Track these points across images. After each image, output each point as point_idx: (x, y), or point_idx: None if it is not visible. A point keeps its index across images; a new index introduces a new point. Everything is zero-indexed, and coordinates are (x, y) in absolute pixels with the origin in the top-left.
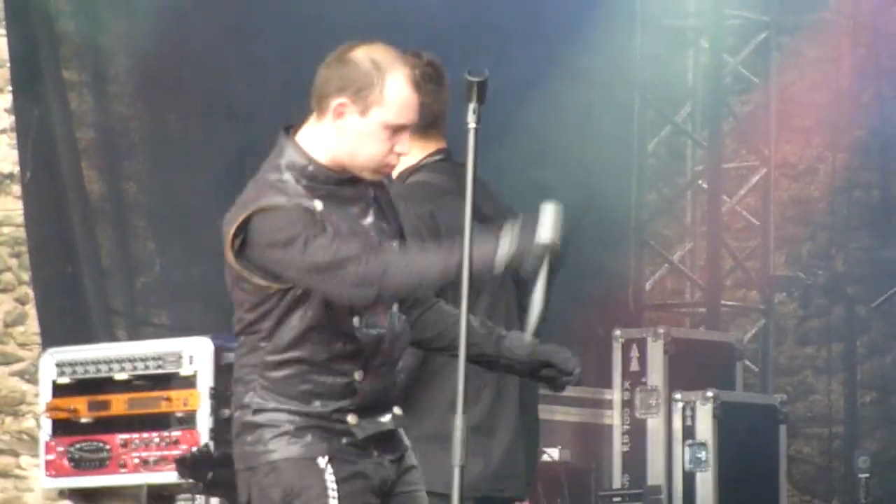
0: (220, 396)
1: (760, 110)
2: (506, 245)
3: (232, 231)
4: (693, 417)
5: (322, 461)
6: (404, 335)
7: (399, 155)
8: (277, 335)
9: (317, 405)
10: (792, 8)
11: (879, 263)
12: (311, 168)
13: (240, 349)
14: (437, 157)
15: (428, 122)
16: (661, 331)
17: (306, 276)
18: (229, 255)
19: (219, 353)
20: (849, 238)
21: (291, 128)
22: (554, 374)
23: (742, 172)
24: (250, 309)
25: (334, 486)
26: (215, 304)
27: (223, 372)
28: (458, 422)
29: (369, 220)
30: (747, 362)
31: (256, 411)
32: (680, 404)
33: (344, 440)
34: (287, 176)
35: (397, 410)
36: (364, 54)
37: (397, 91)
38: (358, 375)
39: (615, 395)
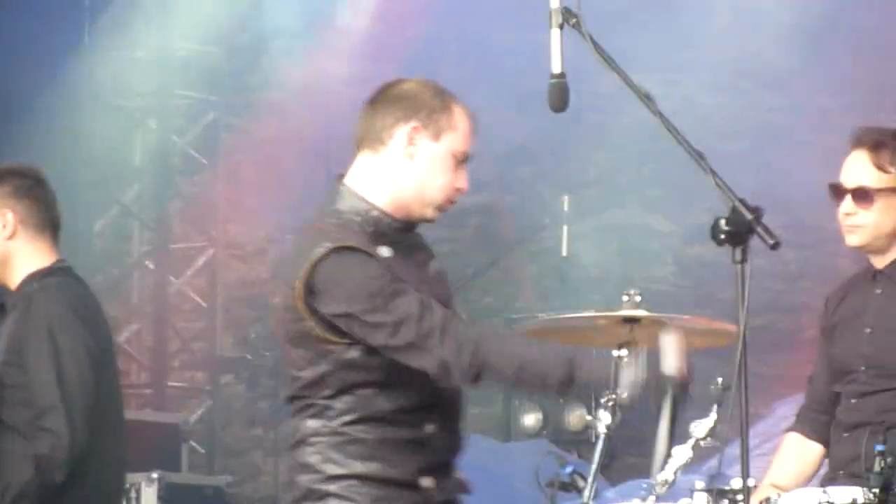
0: None
1: (208, 191)
2: (632, 374)
3: (303, 277)
4: (139, 499)
5: None
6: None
7: (459, 192)
8: (345, 392)
9: (389, 468)
10: (240, 88)
11: None
12: (374, 213)
13: (299, 412)
14: (64, 264)
15: (56, 225)
16: None
17: (386, 343)
18: (300, 305)
19: None
20: None
21: (340, 175)
22: None
23: (190, 253)
24: (309, 365)
25: None
26: None
27: None
28: None
29: (433, 269)
30: (194, 443)
31: (328, 478)
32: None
33: None
34: (349, 220)
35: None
36: (420, 85)
37: (464, 119)
38: (430, 429)
39: None
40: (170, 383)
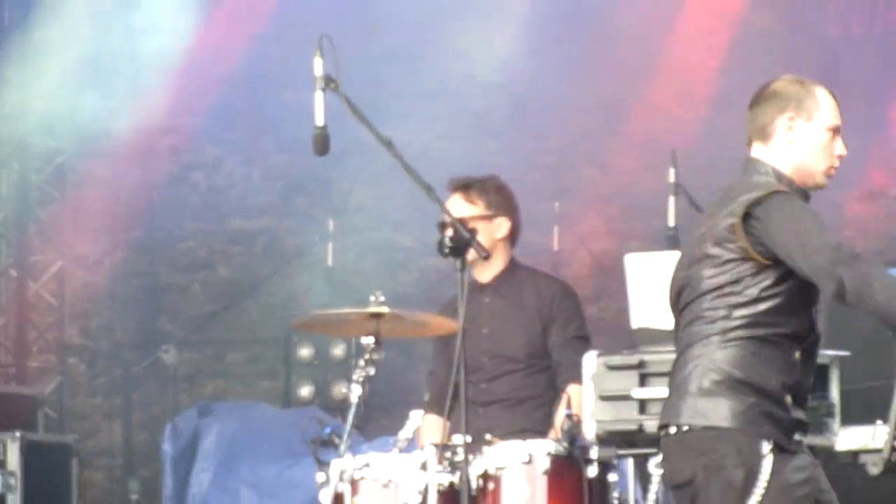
0: None
1: (59, 217)
2: None
3: (745, 208)
4: (5, 453)
5: (765, 446)
6: None
7: (839, 157)
8: (758, 301)
9: (763, 378)
10: (83, 138)
11: (150, 332)
12: (785, 177)
13: (706, 312)
14: None
15: None
16: None
17: (803, 255)
18: (738, 230)
19: None
20: (126, 314)
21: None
22: None
23: (45, 264)
24: (726, 275)
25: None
26: None
27: None
28: None
29: None
30: (48, 410)
31: (718, 377)
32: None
33: (787, 428)
34: (767, 181)
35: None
36: (785, 82)
37: (826, 97)
38: (797, 354)
39: None
40: (29, 363)
